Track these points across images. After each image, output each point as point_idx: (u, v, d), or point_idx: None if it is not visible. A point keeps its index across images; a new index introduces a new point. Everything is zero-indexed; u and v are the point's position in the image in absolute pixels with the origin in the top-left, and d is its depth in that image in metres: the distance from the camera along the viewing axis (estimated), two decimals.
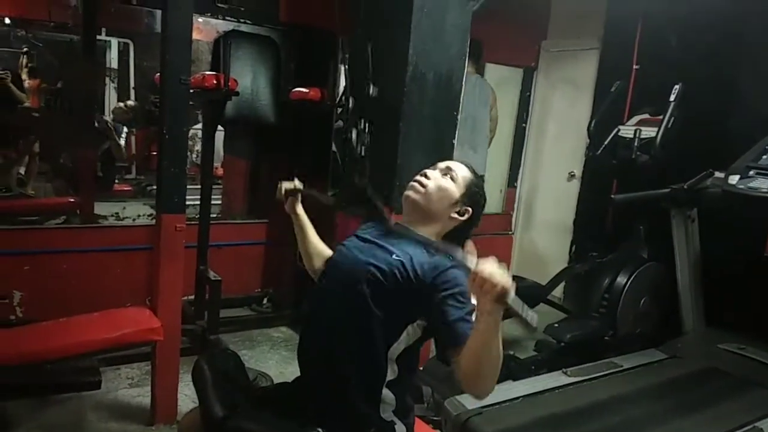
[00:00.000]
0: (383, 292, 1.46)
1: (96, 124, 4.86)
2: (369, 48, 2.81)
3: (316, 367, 1.57)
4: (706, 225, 3.28)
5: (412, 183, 1.61)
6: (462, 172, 1.62)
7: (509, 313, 1.17)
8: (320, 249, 1.84)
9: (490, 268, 1.15)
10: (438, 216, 1.58)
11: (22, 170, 5.77)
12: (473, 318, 1.34)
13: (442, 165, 1.64)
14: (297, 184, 1.79)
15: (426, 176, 1.60)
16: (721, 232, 3.29)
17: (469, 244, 1.22)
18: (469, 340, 1.28)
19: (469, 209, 1.60)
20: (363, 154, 2.87)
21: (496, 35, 4.24)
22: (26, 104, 5.77)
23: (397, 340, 1.48)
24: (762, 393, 2.67)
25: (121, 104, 6.31)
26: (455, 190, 1.59)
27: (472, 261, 1.21)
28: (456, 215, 1.59)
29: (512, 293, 1.14)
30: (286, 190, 1.78)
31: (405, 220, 1.63)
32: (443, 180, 1.59)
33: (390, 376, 1.51)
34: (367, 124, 2.83)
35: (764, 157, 2.86)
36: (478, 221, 1.64)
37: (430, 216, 1.58)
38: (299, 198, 1.81)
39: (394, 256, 1.49)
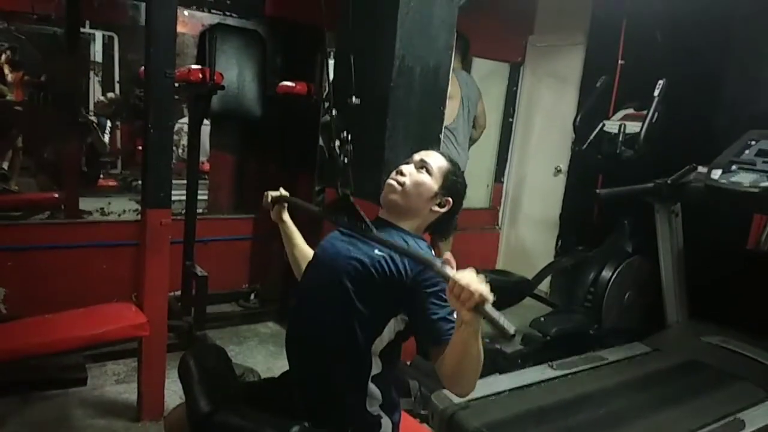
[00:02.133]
0: (365, 287, 1.46)
1: (79, 120, 4.79)
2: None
3: (302, 362, 1.58)
4: (689, 219, 3.32)
5: (389, 182, 1.59)
6: (437, 162, 1.60)
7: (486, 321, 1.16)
8: (308, 254, 1.84)
9: (468, 278, 1.15)
10: (418, 211, 1.58)
11: (5, 165, 5.70)
12: (455, 317, 1.33)
13: (416, 158, 1.62)
14: (283, 192, 1.79)
15: (401, 173, 1.59)
16: (705, 226, 3.32)
17: (447, 255, 1.22)
18: (449, 347, 1.29)
19: (449, 199, 1.59)
20: (345, 161, 2.87)
21: (483, 30, 4.24)
22: (9, 98, 5.70)
23: (380, 334, 1.48)
24: (743, 385, 2.71)
25: (102, 97, 6.26)
26: (432, 184, 1.57)
27: (450, 271, 1.20)
28: (437, 207, 1.58)
29: (489, 303, 1.14)
30: (272, 198, 1.79)
31: (385, 215, 1.61)
32: (419, 175, 1.58)
33: (374, 370, 1.50)
34: (348, 135, 2.84)
35: (746, 152, 2.89)
36: (459, 208, 1.63)
37: (411, 212, 1.58)
38: (285, 206, 1.82)
39: (376, 251, 1.48)
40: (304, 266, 1.81)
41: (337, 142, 2.89)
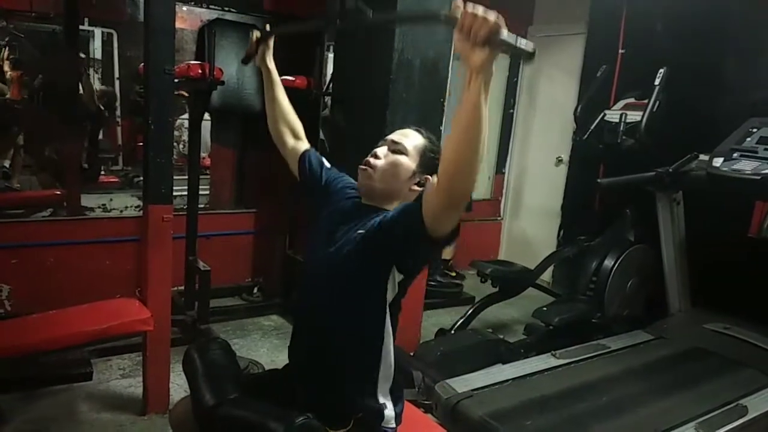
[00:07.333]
0: (359, 268, 1.44)
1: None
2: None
3: (309, 356, 1.58)
4: (691, 207, 3.32)
5: (362, 167, 1.54)
6: (412, 141, 1.55)
7: (504, 50, 1.09)
8: (287, 112, 1.81)
9: (479, 8, 1.07)
10: (398, 192, 1.52)
11: (6, 163, 5.71)
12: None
13: (389, 139, 1.56)
14: (267, 27, 1.74)
15: (376, 156, 1.54)
16: (707, 214, 3.33)
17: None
18: (457, 112, 1.17)
19: (429, 177, 1.52)
20: None
21: None
22: (8, 96, 5.70)
23: (385, 300, 1.46)
24: (746, 371, 2.72)
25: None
26: (409, 163, 1.52)
27: (457, 12, 1.10)
28: (416, 187, 1.52)
29: (504, 29, 1.06)
30: (257, 38, 1.73)
31: (367, 201, 1.57)
32: (394, 156, 1.52)
33: (376, 356, 1.49)
34: None
35: (748, 139, 2.90)
36: None
37: (390, 195, 1.53)
38: (271, 46, 1.76)
39: (358, 231, 1.46)
40: (282, 127, 1.80)
41: None
